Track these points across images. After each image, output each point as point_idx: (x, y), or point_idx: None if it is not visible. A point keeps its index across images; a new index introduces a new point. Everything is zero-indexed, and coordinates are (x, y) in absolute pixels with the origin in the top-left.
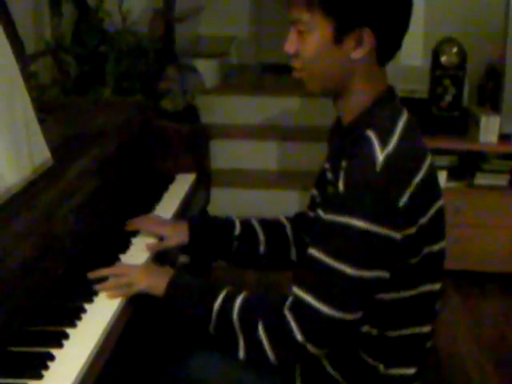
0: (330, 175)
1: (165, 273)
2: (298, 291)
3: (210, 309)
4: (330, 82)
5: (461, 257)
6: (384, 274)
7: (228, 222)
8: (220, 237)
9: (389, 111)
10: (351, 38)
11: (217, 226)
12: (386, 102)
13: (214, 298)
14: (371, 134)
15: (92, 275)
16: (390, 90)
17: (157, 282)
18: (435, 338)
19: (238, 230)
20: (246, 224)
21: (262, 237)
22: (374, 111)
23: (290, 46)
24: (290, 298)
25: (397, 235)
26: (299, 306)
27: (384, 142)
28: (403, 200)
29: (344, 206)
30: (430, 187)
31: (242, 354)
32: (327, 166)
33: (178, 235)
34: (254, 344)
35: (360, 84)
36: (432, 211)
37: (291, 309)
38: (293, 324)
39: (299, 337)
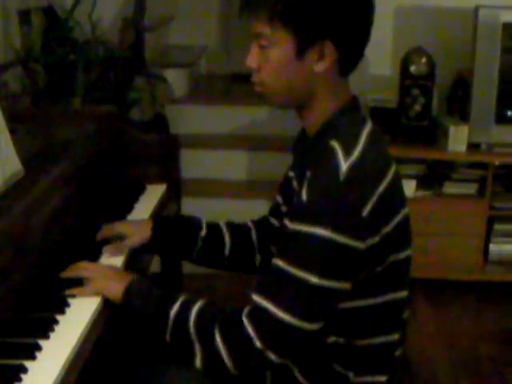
0: (295, 184)
1: (125, 278)
2: (258, 298)
3: (167, 315)
4: (292, 96)
5: (430, 265)
6: (346, 284)
7: (194, 222)
8: (185, 235)
9: (353, 121)
10: (313, 52)
11: (182, 224)
12: (350, 112)
13: (171, 305)
14: (335, 145)
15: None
16: (354, 100)
17: (114, 286)
18: (405, 346)
19: (204, 230)
20: (213, 225)
21: (227, 239)
22: (338, 122)
23: (252, 61)
24: (249, 306)
25: (361, 245)
26: (259, 313)
27: (348, 152)
28: (367, 209)
29: (308, 215)
30: (394, 196)
31: (198, 363)
32: (292, 174)
33: (140, 232)
34: (211, 352)
35: (323, 96)
36: (396, 220)
37: (250, 315)
38: (251, 331)
39: (258, 344)
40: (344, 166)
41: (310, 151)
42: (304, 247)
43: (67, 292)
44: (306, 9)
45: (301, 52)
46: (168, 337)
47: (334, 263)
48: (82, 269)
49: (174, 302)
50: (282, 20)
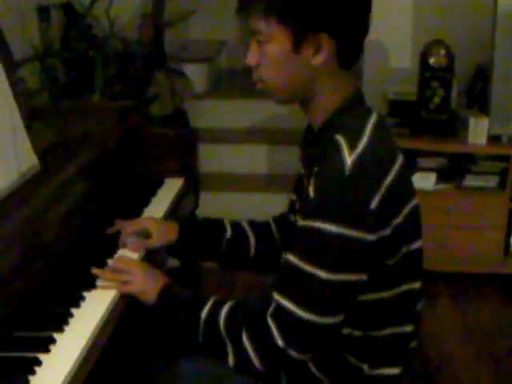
0: (305, 180)
1: (158, 279)
2: (277, 297)
3: (198, 317)
4: (293, 91)
5: (450, 258)
6: (361, 277)
7: (219, 225)
8: (210, 239)
9: (357, 114)
10: (309, 45)
11: (207, 228)
12: (354, 105)
13: (202, 307)
14: (340, 138)
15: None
16: (358, 93)
17: (149, 289)
18: (425, 341)
19: (228, 233)
20: (237, 227)
21: (252, 240)
22: (342, 115)
23: (251, 58)
24: (273, 305)
25: (371, 237)
26: (280, 312)
27: (353, 145)
28: (375, 202)
29: (315, 210)
30: (402, 187)
31: (231, 361)
32: (302, 171)
33: (166, 233)
34: (240, 351)
35: (325, 89)
36: (405, 211)
37: (273, 315)
38: (274, 330)
39: (280, 342)
40: (349, 160)
41: (315, 146)
42: (313, 243)
43: (102, 284)
44: (299, 2)
45: (297, 45)
46: (200, 338)
47: (344, 257)
48: (124, 272)
49: (204, 305)
50: (276, 14)
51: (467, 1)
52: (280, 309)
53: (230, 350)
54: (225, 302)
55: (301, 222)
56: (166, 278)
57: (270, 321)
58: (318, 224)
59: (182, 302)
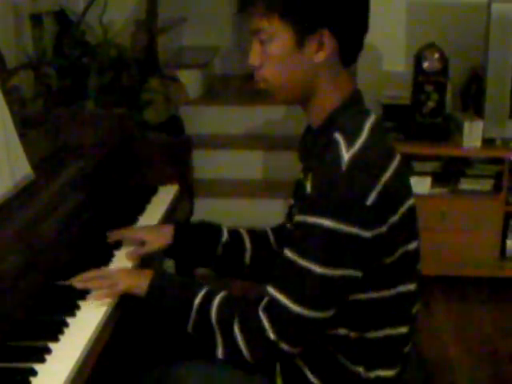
0: (303, 182)
1: (146, 273)
2: (271, 290)
3: (190, 306)
4: (295, 89)
5: (446, 262)
6: (355, 273)
7: (215, 228)
8: (206, 242)
9: (355, 113)
10: (311, 42)
11: (203, 230)
12: (353, 104)
13: (195, 296)
14: (338, 137)
15: (76, 280)
16: (357, 93)
17: (139, 282)
18: (422, 344)
19: (225, 237)
20: (234, 233)
21: (248, 247)
22: (341, 114)
23: (254, 58)
24: (265, 298)
25: (366, 233)
26: (272, 306)
27: (350, 144)
28: (371, 198)
29: (311, 206)
30: (400, 186)
31: (220, 352)
32: (301, 176)
33: (161, 237)
34: (230, 343)
35: (326, 87)
36: (402, 210)
37: (265, 308)
38: (266, 323)
39: (272, 335)
40: (346, 156)
41: (314, 145)
42: (308, 238)
43: (94, 297)
44: None
45: (300, 43)
46: (191, 327)
47: (339, 252)
48: (106, 277)
49: (197, 293)
50: (279, 11)
51: (460, 4)
52: (273, 302)
53: (219, 341)
54: (218, 291)
55: (297, 217)
56: (155, 271)
57: (261, 314)
58: (315, 219)
59: (175, 291)
